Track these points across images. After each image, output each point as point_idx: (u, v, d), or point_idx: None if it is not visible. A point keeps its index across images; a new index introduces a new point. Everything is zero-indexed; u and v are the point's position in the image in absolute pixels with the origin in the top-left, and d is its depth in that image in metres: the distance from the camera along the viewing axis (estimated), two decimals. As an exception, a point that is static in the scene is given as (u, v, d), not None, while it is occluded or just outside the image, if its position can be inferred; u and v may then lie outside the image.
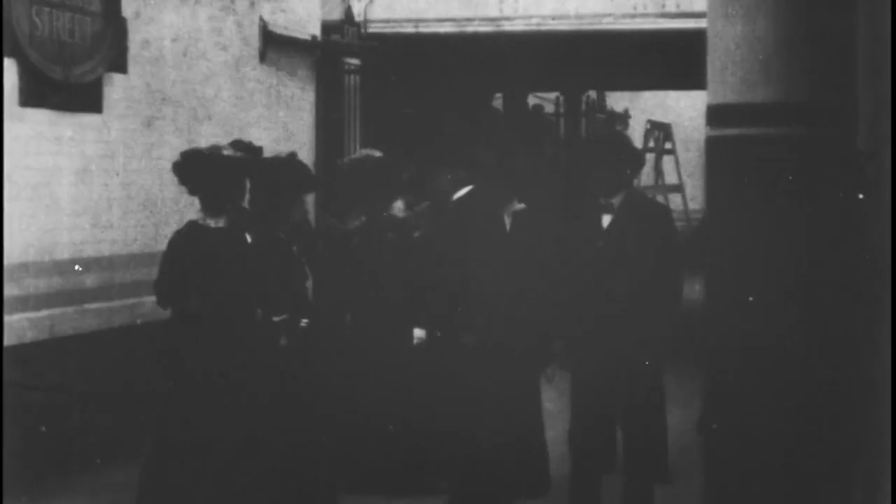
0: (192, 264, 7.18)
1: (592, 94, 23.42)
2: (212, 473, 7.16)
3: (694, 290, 9.40)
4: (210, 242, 7.22)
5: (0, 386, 7.73)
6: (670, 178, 24.39)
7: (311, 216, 9.31)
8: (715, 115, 6.19)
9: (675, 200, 23.66)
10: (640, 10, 13.46)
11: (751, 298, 6.06)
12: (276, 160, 8.36)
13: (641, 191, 8.53)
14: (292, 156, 8.15)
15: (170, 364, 7.16)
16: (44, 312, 8.76)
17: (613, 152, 8.18)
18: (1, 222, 8.13)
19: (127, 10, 9.56)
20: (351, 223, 9.08)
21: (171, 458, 7.14)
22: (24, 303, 8.55)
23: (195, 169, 7.26)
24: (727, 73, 6.06)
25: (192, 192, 7.29)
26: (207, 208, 7.24)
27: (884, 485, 6.25)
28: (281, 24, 12.12)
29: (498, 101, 20.99)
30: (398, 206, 8.92)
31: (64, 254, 8.94)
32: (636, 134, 24.27)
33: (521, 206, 7.86)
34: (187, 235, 7.23)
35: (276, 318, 7.44)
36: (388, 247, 8.75)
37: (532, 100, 21.82)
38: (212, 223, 7.26)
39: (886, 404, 6.30)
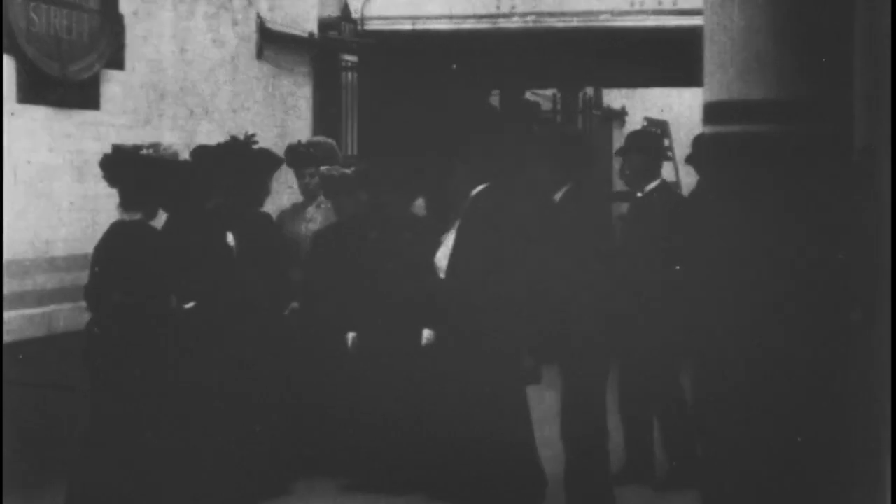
0: (114, 261, 7.34)
1: (589, 91, 23.38)
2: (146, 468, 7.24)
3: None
4: (126, 237, 7.38)
5: (0, 386, 7.74)
6: (668, 175, 24.38)
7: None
8: (711, 112, 6.19)
9: (672, 197, 23.64)
10: (637, 6, 13.46)
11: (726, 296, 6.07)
12: (236, 144, 8.49)
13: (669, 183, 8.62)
14: (250, 139, 8.32)
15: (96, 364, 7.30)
16: (41, 309, 8.76)
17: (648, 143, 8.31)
18: (0, 220, 8.14)
19: (124, 6, 9.56)
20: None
21: (102, 454, 7.23)
22: (21, 299, 8.55)
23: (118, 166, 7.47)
24: (724, 70, 6.07)
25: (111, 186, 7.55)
26: (125, 203, 7.41)
27: (884, 485, 6.25)
28: (278, 20, 12.12)
29: (495, 98, 20.98)
30: (419, 204, 8.92)
31: (61, 250, 8.94)
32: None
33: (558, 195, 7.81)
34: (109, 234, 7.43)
35: (185, 306, 7.53)
36: (382, 245, 8.75)
37: (529, 97, 21.79)
38: (126, 217, 7.42)
39: (887, 404, 6.30)
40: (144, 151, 7.64)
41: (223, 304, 7.89)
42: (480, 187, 7.83)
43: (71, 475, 7.45)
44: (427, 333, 8.47)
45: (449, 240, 7.77)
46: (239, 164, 8.59)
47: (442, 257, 7.68)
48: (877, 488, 6.40)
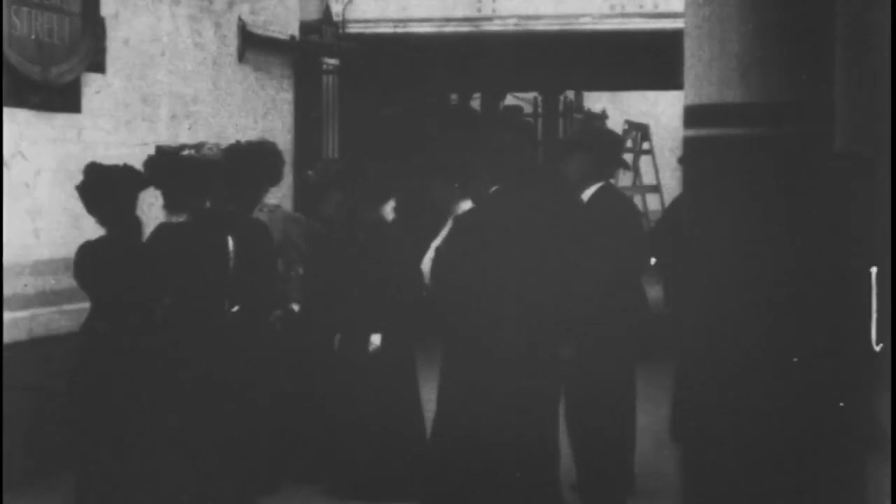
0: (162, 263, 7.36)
1: (570, 94, 23.43)
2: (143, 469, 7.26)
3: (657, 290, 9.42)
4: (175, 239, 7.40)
5: (0, 386, 7.74)
6: (648, 178, 24.39)
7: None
8: (692, 115, 6.21)
9: (652, 201, 23.67)
10: (619, 10, 13.49)
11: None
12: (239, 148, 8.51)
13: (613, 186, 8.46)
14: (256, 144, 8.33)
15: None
16: (23, 313, 8.74)
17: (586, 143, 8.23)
18: (0, 221, 8.16)
19: (106, 10, 9.54)
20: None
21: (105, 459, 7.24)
22: (4, 303, 8.53)
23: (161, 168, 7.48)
24: (704, 74, 6.09)
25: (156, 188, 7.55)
26: (170, 206, 7.45)
27: (884, 484, 6.27)
28: (259, 24, 12.12)
29: (476, 102, 21.01)
30: (388, 209, 8.90)
31: (43, 254, 8.93)
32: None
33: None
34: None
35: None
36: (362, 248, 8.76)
37: (510, 100, 21.82)
38: (173, 219, 7.44)
39: (887, 404, 6.33)
40: (187, 152, 7.63)
41: (222, 307, 7.90)
42: (469, 203, 7.77)
43: (78, 477, 7.40)
44: (375, 339, 8.47)
45: (434, 247, 7.73)
46: (243, 167, 8.58)
47: (428, 262, 7.64)
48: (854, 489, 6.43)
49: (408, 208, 8.98)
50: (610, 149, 8.40)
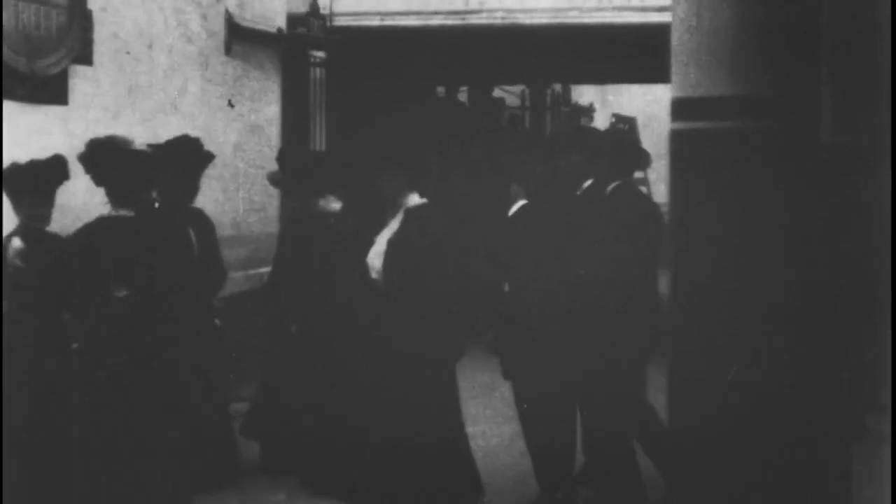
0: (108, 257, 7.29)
1: (558, 87, 23.44)
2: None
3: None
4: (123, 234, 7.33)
5: (0, 385, 7.70)
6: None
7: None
8: (678, 108, 6.22)
9: (640, 194, 23.70)
10: (606, 3, 13.50)
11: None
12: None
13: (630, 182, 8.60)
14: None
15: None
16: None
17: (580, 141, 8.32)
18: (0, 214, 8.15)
19: (93, 2, 9.53)
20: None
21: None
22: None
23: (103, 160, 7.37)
24: (691, 67, 6.09)
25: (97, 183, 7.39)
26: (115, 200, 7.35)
27: (884, 484, 6.28)
28: (247, 16, 12.11)
29: (463, 94, 21.02)
30: (332, 200, 8.89)
31: (29, 246, 8.91)
32: (601, 127, 24.30)
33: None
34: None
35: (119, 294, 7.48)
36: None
37: (497, 93, 21.83)
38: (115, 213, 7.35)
39: (887, 405, 6.34)
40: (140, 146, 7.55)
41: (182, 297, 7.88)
42: (416, 195, 7.75)
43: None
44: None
45: (382, 240, 7.70)
46: (186, 160, 8.59)
47: (374, 256, 7.63)
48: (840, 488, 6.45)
49: (355, 201, 8.99)
50: (616, 148, 8.52)
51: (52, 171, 7.62)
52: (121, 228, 7.21)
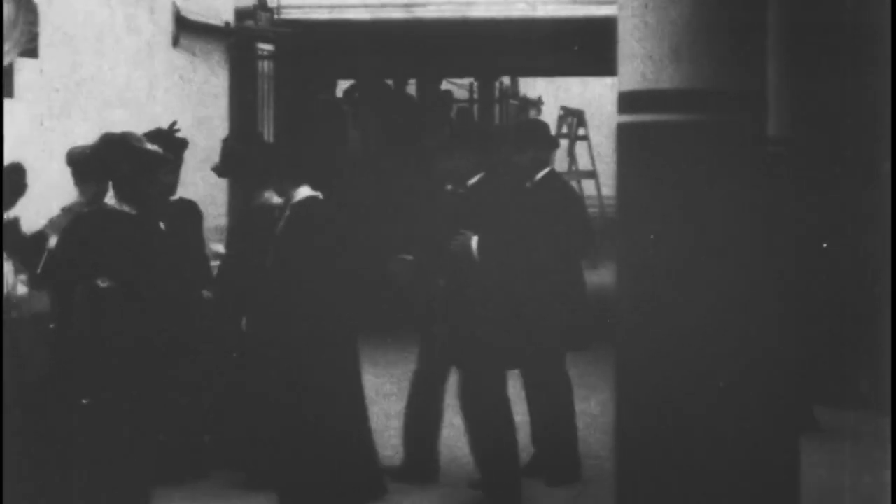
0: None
1: (506, 80, 23.49)
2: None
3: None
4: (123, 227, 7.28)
5: (0, 383, 7.66)
6: (583, 164, 24.49)
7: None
8: (626, 101, 6.24)
9: (588, 187, 23.79)
10: (554, -4, 13.55)
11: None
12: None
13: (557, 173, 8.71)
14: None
15: None
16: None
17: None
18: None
19: (39, -5, 9.51)
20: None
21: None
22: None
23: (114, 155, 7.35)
24: (638, 60, 6.12)
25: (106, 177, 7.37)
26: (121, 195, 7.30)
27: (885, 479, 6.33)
28: (194, 9, 12.07)
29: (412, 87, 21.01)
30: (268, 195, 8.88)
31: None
32: (550, 120, 24.39)
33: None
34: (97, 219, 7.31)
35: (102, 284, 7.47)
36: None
37: (445, 86, 21.84)
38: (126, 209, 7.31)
39: (887, 404, 6.39)
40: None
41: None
42: (307, 189, 7.78)
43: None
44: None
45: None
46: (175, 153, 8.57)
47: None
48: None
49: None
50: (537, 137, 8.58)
51: None
52: (120, 221, 7.24)
